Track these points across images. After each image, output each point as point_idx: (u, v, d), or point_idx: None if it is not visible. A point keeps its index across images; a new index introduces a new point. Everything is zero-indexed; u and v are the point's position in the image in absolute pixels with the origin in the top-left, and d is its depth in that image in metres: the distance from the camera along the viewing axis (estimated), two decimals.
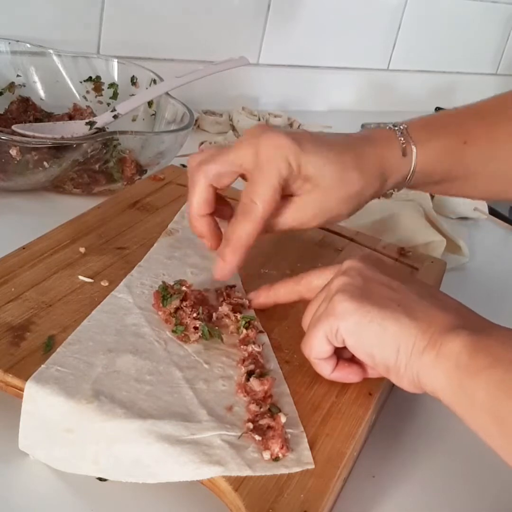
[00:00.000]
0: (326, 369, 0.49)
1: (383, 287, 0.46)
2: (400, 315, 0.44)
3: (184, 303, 0.51)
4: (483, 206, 0.98)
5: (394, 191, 0.62)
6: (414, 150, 0.59)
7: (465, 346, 0.40)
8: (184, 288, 0.52)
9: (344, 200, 0.55)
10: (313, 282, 0.52)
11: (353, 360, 0.50)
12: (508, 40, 1.58)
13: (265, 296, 0.55)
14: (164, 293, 0.51)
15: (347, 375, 0.49)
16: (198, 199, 0.54)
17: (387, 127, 0.60)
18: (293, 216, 0.54)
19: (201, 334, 0.50)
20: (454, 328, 0.42)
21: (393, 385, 0.57)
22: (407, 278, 0.49)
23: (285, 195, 0.54)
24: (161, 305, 0.51)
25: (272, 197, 0.51)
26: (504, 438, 0.39)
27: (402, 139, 0.58)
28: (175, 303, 0.51)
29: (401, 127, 0.60)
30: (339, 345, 0.47)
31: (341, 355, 0.50)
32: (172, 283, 0.52)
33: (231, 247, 0.52)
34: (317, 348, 0.48)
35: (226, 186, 0.54)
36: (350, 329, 0.45)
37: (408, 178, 0.60)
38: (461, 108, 0.65)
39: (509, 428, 0.38)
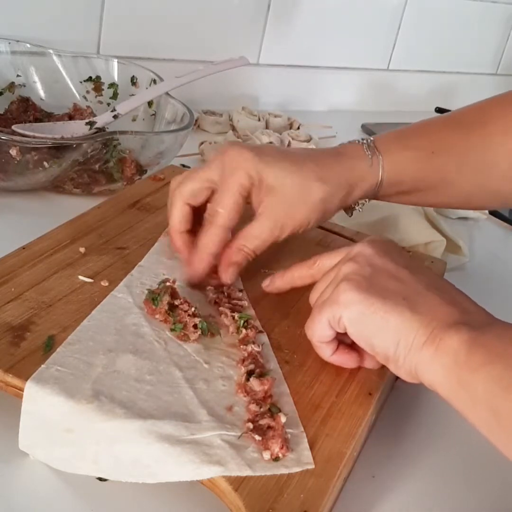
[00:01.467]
0: (326, 352, 0.51)
1: (390, 278, 0.47)
2: (404, 308, 0.44)
3: (178, 301, 0.51)
4: None
5: (363, 203, 0.64)
6: (381, 159, 0.61)
7: (464, 342, 0.41)
8: (168, 283, 0.52)
9: (307, 209, 0.57)
10: (325, 265, 0.53)
11: (352, 346, 0.51)
12: (508, 40, 1.58)
13: (280, 281, 0.57)
14: (152, 296, 0.51)
15: (345, 360, 0.51)
16: (176, 217, 0.58)
17: (355, 141, 0.62)
18: (262, 229, 0.57)
19: (201, 331, 0.50)
20: (455, 324, 0.42)
21: (393, 385, 0.57)
22: (416, 267, 0.50)
23: (254, 213, 0.57)
24: (153, 307, 0.51)
25: (234, 205, 0.55)
26: (502, 433, 0.39)
27: (369, 151, 0.61)
28: (165, 298, 0.51)
29: (368, 140, 0.62)
30: (341, 331, 0.48)
31: (342, 340, 0.51)
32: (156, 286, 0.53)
33: (198, 254, 0.56)
34: (319, 332, 0.49)
35: (201, 202, 0.58)
36: (353, 318, 0.46)
37: (376, 187, 0.62)
38: (434, 119, 0.67)
39: (508, 423, 0.38)
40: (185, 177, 0.59)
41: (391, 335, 0.44)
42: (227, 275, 0.57)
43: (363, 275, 0.47)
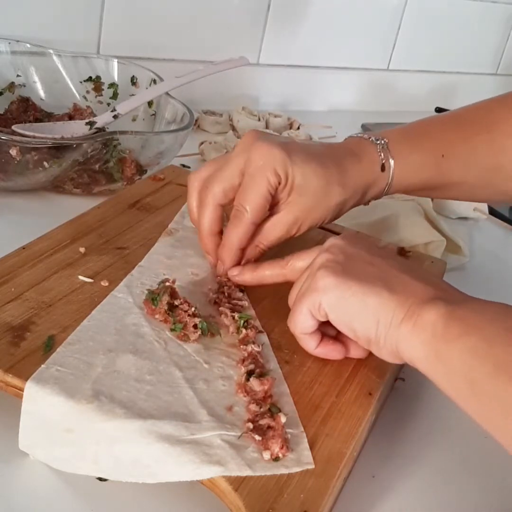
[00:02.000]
0: (310, 344, 0.51)
1: (365, 263, 0.48)
2: (380, 289, 0.45)
3: (178, 301, 0.52)
4: (483, 206, 0.98)
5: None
6: (392, 165, 0.62)
7: (441, 316, 0.42)
8: (167, 283, 0.52)
9: (326, 210, 0.58)
10: (297, 264, 0.54)
11: (336, 338, 0.52)
12: (508, 40, 1.58)
13: (250, 275, 0.57)
14: (152, 296, 0.51)
15: (330, 351, 0.51)
16: (209, 219, 0.58)
17: (370, 139, 0.62)
18: (282, 224, 0.57)
19: (201, 331, 0.50)
20: (431, 299, 0.44)
21: (393, 385, 0.57)
22: (388, 255, 0.51)
23: (274, 204, 0.57)
24: (153, 307, 0.51)
25: (261, 204, 0.55)
26: (478, 402, 0.40)
27: (382, 155, 0.61)
28: (165, 298, 0.51)
29: (383, 141, 0.62)
30: (322, 319, 0.49)
31: (326, 332, 0.51)
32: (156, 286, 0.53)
33: (225, 249, 0.57)
34: (301, 323, 0.50)
35: (232, 199, 0.57)
36: (332, 303, 0.47)
37: (385, 189, 0.63)
38: (440, 116, 0.68)
39: (481, 391, 0.39)
40: (211, 175, 0.58)
41: (371, 316, 0.45)
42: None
43: (338, 262, 0.49)
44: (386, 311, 0.45)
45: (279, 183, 0.55)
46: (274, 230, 0.57)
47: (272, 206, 0.57)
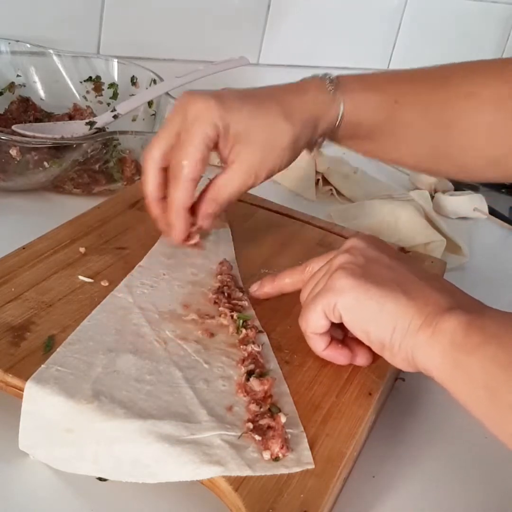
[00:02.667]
0: (320, 345, 0.50)
1: (384, 267, 0.47)
2: (399, 294, 0.44)
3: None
4: (483, 206, 0.98)
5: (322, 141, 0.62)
6: (342, 97, 0.59)
7: (460, 324, 0.41)
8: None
9: (279, 151, 0.56)
10: (316, 268, 0.52)
11: (344, 342, 0.51)
12: (508, 40, 1.57)
13: (270, 286, 0.56)
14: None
15: (338, 356, 0.51)
16: (152, 185, 0.56)
17: (318, 77, 0.60)
18: (235, 178, 0.55)
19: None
20: (450, 308, 0.43)
21: (393, 385, 0.57)
22: (407, 261, 0.50)
23: (223, 161, 0.56)
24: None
25: (198, 158, 0.53)
26: (496, 411, 0.39)
27: (331, 87, 0.59)
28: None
29: (331, 76, 0.60)
30: (336, 321, 0.48)
31: (334, 335, 0.51)
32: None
33: (171, 211, 0.55)
34: (314, 322, 0.49)
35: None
36: (348, 305, 0.46)
37: (336, 124, 0.60)
38: (398, 70, 0.65)
39: (502, 400, 0.39)
40: (152, 142, 0.56)
41: (387, 320, 0.44)
42: (204, 225, 0.57)
43: (357, 264, 0.47)
44: (403, 317, 0.44)
45: (218, 135, 0.54)
46: (227, 186, 0.55)
47: (224, 163, 0.56)
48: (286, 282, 0.55)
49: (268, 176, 0.57)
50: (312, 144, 0.61)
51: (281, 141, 0.56)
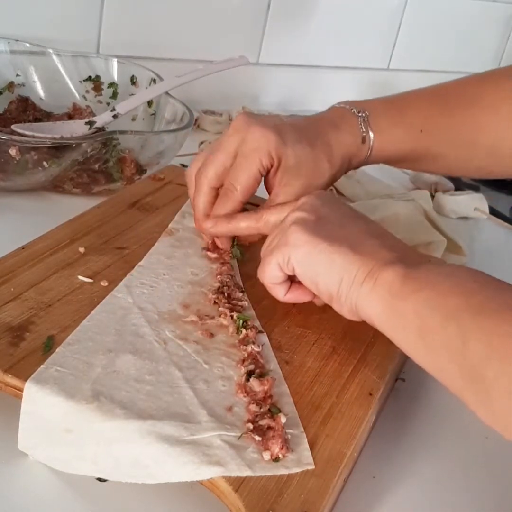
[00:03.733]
0: (280, 292, 0.54)
1: (335, 224, 0.51)
2: (347, 249, 0.48)
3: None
4: (483, 206, 0.98)
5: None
6: (372, 137, 0.65)
7: (398, 275, 0.45)
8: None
9: (318, 184, 0.62)
10: (271, 219, 0.56)
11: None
12: (508, 40, 1.57)
13: (225, 227, 0.59)
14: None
15: (299, 296, 0.54)
16: (203, 202, 0.60)
17: (352, 111, 0.66)
18: (287, 200, 0.59)
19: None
20: (392, 262, 0.46)
21: (393, 385, 0.57)
22: (359, 217, 0.53)
23: (269, 188, 0.61)
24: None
25: (251, 184, 0.58)
26: (427, 352, 0.43)
27: (363, 127, 0.65)
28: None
29: (364, 114, 0.65)
30: (290, 273, 0.51)
31: (293, 278, 0.53)
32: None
33: (211, 219, 0.59)
34: (270, 274, 0.52)
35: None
36: (300, 258, 0.49)
37: (365, 160, 0.67)
38: (423, 90, 0.72)
39: (431, 341, 0.42)
40: (205, 159, 0.60)
41: (335, 273, 0.48)
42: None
43: (309, 220, 0.51)
44: (350, 270, 0.47)
45: (272, 166, 0.58)
46: (278, 213, 0.58)
47: (269, 190, 0.60)
48: (240, 226, 0.58)
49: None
50: (344, 174, 0.68)
51: (323, 179, 0.62)
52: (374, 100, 0.68)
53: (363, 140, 0.65)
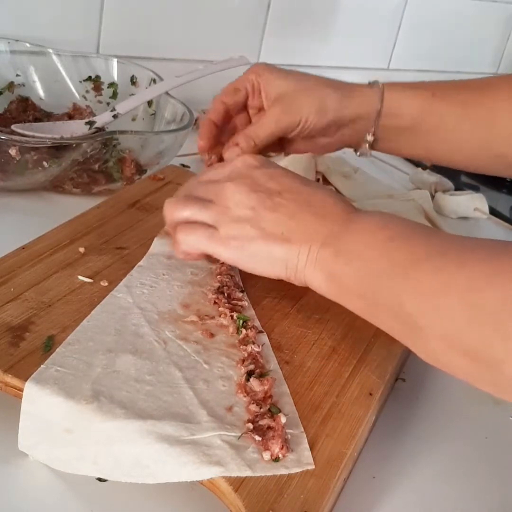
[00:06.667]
0: (182, 256, 0.55)
1: (266, 209, 0.52)
2: (283, 242, 0.51)
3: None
4: (483, 206, 0.98)
5: (369, 142, 0.68)
6: (382, 89, 0.68)
7: (331, 254, 0.49)
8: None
9: (289, 125, 0.63)
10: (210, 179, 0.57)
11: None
12: (508, 40, 1.57)
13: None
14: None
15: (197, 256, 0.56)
16: (213, 109, 0.66)
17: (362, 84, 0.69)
18: (272, 121, 0.63)
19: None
20: (325, 241, 0.50)
21: (393, 385, 0.57)
22: (289, 185, 0.54)
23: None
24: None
25: (232, 86, 0.67)
26: (370, 311, 0.48)
27: (371, 84, 0.69)
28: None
29: (373, 81, 0.69)
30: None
31: None
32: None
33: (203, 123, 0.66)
34: (190, 250, 0.54)
35: (235, 102, 0.66)
36: (238, 259, 0.52)
37: (376, 115, 0.67)
38: (436, 80, 0.72)
39: (372, 303, 0.47)
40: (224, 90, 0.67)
41: (279, 263, 0.51)
42: (227, 155, 0.62)
43: (240, 218, 0.52)
44: (291, 258, 0.51)
45: (259, 82, 0.64)
46: (264, 125, 0.63)
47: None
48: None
49: (306, 126, 0.64)
50: (357, 143, 0.69)
51: (297, 116, 0.63)
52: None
53: (373, 91, 0.67)
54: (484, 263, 0.41)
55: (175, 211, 0.54)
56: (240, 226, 0.51)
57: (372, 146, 0.68)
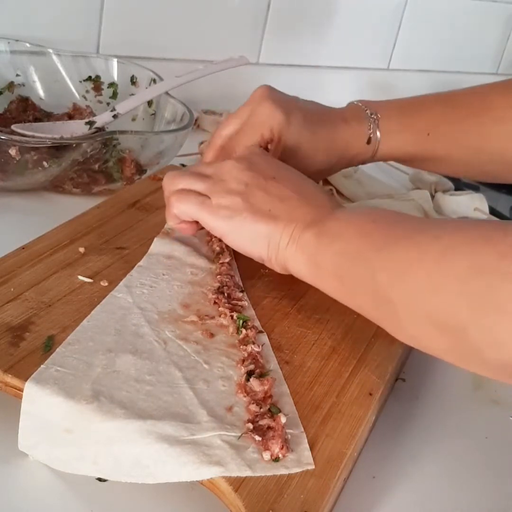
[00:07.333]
0: (173, 222, 0.58)
1: (259, 188, 0.54)
2: (269, 219, 0.53)
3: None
4: (483, 206, 0.98)
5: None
6: (379, 138, 0.69)
7: (313, 235, 0.50)
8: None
9: (305, 172, 0.63)
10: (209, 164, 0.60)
11: None
12: (508, 40, 1.57)
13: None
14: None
15: (188, 230, 0.59)
16: (212, 153, 0.67)
17: (366, 111, 0.70)
18: None
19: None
20: (309, 223, 0.51)
21: (393, 385, 0.57)
22: (282, 173, 0.56)
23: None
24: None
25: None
26: (347, 293, 0.49)
27: (371, 129, 0.69)
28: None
29: (375, 116, 0.69)
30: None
31: None
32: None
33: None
34: (183, 214, 0.56)
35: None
36: (226, 232, 0.54)
37: (370, 159, 0.71)
38: (435, 96, 0.73)
39: (348, 283, 0.48)
40: (223, 122, 0.68)
41: (262, 241, 0.53)
42: None
43: (234, 191, 0.54)
44: (274, 237, 0.52)
45: (272, 140, 0.64)
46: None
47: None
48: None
49: None
50: (346, 168, 0.73)
51: (314, 167, 0.66)
52: (388, 103, 0.71)
53: (369, 141, 0.69)
54: (457, 234, 0.42)
55: (174, 180, 0.57)
56: (231, 197, 0.54)
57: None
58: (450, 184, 1.02)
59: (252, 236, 0.53)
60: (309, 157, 0.66)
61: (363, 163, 0.72)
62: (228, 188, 0.54)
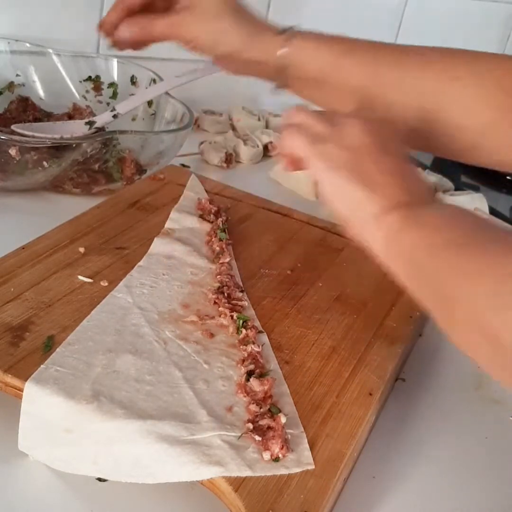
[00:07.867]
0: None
1: (370, 157, 0.53)
2: (367, 187, 0.52)
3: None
4: (483, 206, 0.98)
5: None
6: (292, 40, 0.65)
7: (402, 216, 0.50)
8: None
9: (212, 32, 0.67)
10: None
11: None
12: (508, 40, 1.57)
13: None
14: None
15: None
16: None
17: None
18: (166, 24, 0.71)
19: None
20: (401, 205, 0.51)
21: (393, 385, 0.57)
22: (389, 149, 0.55)
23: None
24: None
25: None
26: (416, 282, 0.48)
27: (286, 33, 0.66)
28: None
29: (293, 28, 0.66)
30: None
31: None
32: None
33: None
34: (292, 150, 0.55)
35: None
36: (323, 179, 0.53)
37: (280, 56, 0.66)
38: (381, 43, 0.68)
39: (419, 274, 0.47)
40: None
41: (352, 203, 0.52)
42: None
43: (348, 149, 0.53)
44: (363, 206, 0.51)
45: None
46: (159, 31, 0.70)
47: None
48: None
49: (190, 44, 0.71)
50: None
51: (220, 27, 0.68)
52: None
53: (281, 32, 0.66)
54: None
55: (297, 113, 0.56)
56: (342, 153, 0.53)
57: (283, 87, 0.69)
58: (450, 184, 1.02)
59: (345, 195, 0.53)
60: (198, 26, 0.71)
61: (270, 62, 0.68)
62: (342, 144, 0.54)
